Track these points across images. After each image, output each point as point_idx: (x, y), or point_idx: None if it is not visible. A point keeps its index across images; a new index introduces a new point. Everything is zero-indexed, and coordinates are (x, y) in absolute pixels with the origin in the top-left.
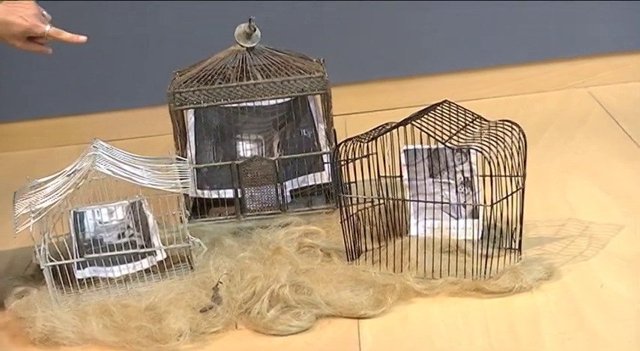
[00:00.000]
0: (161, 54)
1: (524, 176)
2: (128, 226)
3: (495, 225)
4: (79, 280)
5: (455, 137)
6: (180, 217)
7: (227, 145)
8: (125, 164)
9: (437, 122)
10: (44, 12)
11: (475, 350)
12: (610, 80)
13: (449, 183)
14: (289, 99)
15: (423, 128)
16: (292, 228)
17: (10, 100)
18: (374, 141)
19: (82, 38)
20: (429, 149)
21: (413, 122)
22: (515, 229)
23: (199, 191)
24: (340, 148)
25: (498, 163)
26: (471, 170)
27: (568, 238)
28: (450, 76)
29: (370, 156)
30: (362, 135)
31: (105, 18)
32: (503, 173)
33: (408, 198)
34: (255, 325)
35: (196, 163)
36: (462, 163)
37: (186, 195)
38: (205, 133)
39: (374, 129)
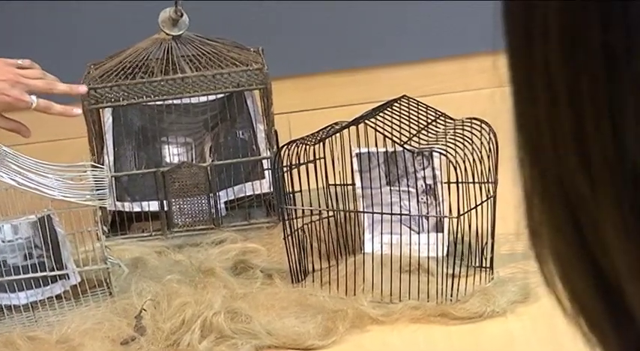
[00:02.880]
0: (72, 43)
1: (495, 183)
2: (36, 246)
3: (463, 240)
4: None
5: (415, 138)
6: (97, 234)
7: (151, 149)
8: (31, 173)
9: (394, 121)
10: (19, 61)
11: None
12: None
13: (409, 191)
14: (223, 95)
15: (378, 128)
16: (227, 245)
17: None
18: (321, 143)
19: (77, 111)
20: (386, 153)
21: (366, 121)
22: (486, 244)
23: (119, 203)
24: (283, 152)
25: (466, 168)
26: (434, 176)
27: None
28: (410, 67)
29: (317, 161)
30: (308, 137)
31: (7, 3)
32: (471, 179)
33: (361, 209)
34: None
35: (115, 171)
36: (424, 169)
37: (103, 208)
38: (125, 135)
39: (321, 129)
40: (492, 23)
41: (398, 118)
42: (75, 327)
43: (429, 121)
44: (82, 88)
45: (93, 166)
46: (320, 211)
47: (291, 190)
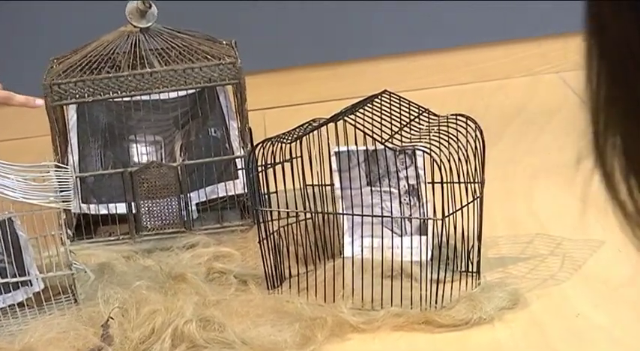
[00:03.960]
0: (34, 37)
1: (482, 183)
2: None
3: (448, 243)
4: None
5: (397, 136)
6: (61, 238)
7: (118, 148)
8: None
9: (375, 118)
10: None
11: None
12: None
13: (390, 192)
14: (194, 91)
15: (358, 125)
16: (199, 250)
17: None
18: (298, 142)
19: (39, 102)
20: (366, 151)
21: (346, 118)
22: (473, 247)
23: (84, 206)
24: (257, 151)
25: (451, 168)
26: (418, 176)
27: (536, 258)
28: (391, 61)
29: (294, 160)
30: (284, 134)
31: None
32: (456, 179)
33: (340, 211)
34: None
35: (80, 172)
36: (407, 168)
37: (67, 211)
38: (91, 133)
39: (298, 127)
40: (474, 13)
41: (379, 114)
42: (38, 336)
43: (412, 117)
44: (39, 102)
45: (56, 166)
46: (297, 213)
47: (266, 190)
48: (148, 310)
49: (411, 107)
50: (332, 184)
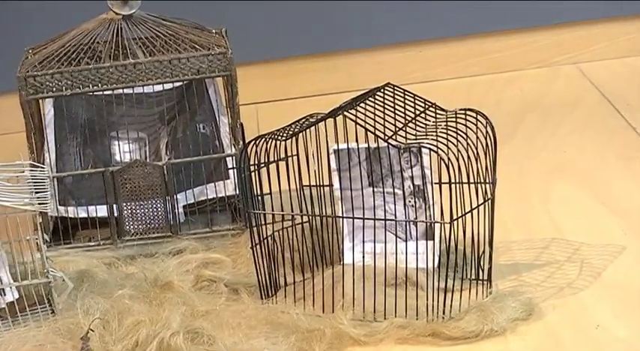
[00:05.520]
0: (9, 24)
1: (493, 183)
2: None
3: (457, 248)
4: None
5: (401, 132)
6: (37, 244)
7: (98, 146)
8: None
9: (377, 113)
10: None
11: None
12: (606, 54)
13: (394, 193)
14: (181, 83)
15: (358, 121)
16: (187, 256)
17: None
18: (294, 138)
19: None
20: (368, 149)
21: (345, 113)
22: (483, 253)
23: (62, 208)
24: (250, 149)
25: (459, 167)
26: (424, 176)
27: (552, 265)
28: (395, 51)
29: (290, 158)
30: (278, 131)
31: None
32: (466, 179)
33: (340, 214)
34: None
35: (57, 171)
36: (412, 167)
37: (44, 214)
38: (69, 130)
39: (294, 122)
40: (486, 4)
41: (381, 109)
42: (12, 350)
43: (417, 112)
44: None
45: (32, 165)
46: (293, 216)
47: (259, 192)
48: (131, 321)
49: (417, 101)
50: (331, 185)
